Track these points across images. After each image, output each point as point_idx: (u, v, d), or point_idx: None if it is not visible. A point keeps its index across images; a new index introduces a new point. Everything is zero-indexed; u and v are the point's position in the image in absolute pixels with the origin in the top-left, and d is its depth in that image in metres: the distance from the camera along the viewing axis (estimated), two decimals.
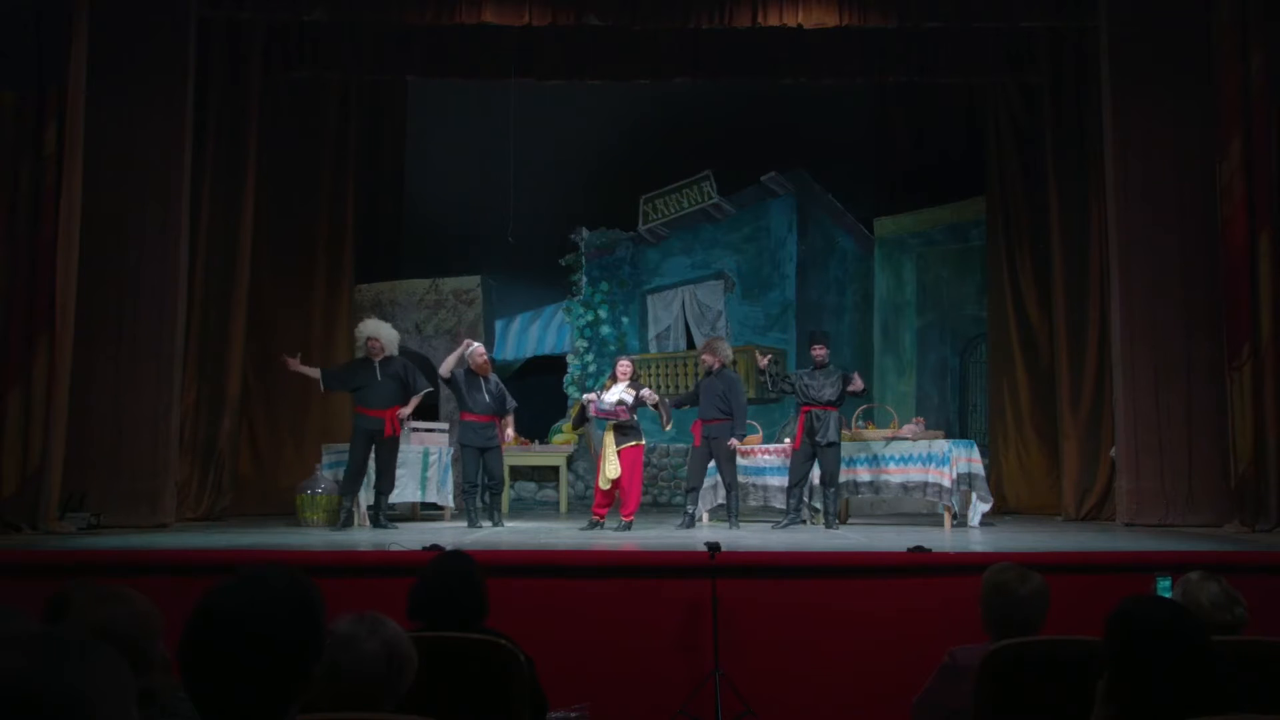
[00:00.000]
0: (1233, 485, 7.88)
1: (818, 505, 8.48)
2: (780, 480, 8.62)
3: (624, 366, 8.41)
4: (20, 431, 7.49)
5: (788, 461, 8.49)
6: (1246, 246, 7.90)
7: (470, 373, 8.26)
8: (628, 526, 7.94)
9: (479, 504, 8.36)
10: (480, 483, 8.31)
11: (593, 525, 8.06)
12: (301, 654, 1.65)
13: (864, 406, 9.55)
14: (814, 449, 8.18)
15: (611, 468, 8.02)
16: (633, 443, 8.09)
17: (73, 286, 7.65)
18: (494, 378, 8.46)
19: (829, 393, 8.19)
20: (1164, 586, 3.22)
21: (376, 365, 8.18)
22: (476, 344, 8.50)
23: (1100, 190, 8.92)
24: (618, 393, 8.16)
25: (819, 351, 8.41)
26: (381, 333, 8.29)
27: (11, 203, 7.69)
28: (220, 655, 1.60)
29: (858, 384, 8.27)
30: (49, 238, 7.64)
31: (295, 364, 8.17)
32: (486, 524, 8.37)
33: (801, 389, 8.30)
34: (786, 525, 8.14)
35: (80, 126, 7.71)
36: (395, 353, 8.36)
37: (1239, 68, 7.95)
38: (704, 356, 8.37)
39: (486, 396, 8.24)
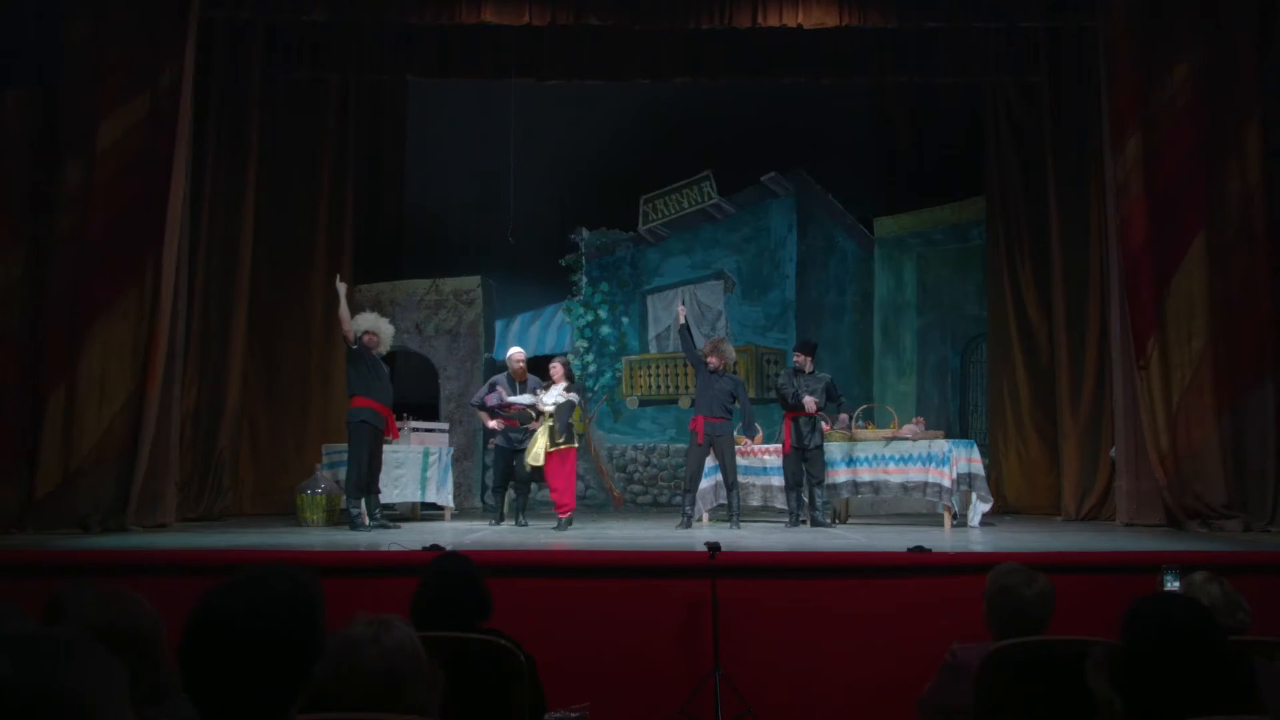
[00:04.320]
0: (1160, 484, 7.96)
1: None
2: (781, 480, 8.65)
3: (556, 369, 8.37)
4: (60, 430, 7.56)
5: None
6: (1146, 242, 8.07)
7: (510, 379, 8.56)
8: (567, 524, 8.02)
9: (505, 502, 8.72)
10: (504, 485, 8.73)
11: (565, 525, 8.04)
12: (300, 654, 1.65)
13: (864, 406, 9.57)
14: (803, 453, 8.26)
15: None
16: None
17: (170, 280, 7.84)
18: (530, 381, 8.52)
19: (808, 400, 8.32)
20: (1171, 583, 3.22)
21: (379, 360, 8.15)
22: (516, 349, 8.79)
23: (1100, 189, 8.93)
24: (555, 394, 8.14)
25: (799, 359, 8.57)
26: (380, 327, 8.21)
27: (51, 202, 7.74)
28: (219, 655, 1.59)
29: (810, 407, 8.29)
30: (96, 236, 7.72)
31: (341, 290, 8.15)
32: (509, 522, 8.59)
33: (791, 396, 8.39)
34: (793, 526, 8.23)
35: (189, 121, 7.98)
36: (387, 350, 8.27)
37: (1133, 68, 8.18)
38: (710, 358, 8.38)
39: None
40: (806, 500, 8.39)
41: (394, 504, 8.82)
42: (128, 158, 7.95)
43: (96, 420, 7.66)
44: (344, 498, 8.15)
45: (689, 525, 8.28)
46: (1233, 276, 8.12)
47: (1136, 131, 8.15)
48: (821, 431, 8.34)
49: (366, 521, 7.94)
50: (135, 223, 7.91)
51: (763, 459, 8.97)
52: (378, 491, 8.10)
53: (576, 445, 8.23)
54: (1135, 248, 8.14)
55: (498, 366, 12.70)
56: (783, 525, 8.45)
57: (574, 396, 8.14)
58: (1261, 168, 8.10)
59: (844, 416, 8.94)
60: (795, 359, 8.64)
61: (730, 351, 8.63)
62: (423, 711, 2.20)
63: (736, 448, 8.64)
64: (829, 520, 8.45)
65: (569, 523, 8.04)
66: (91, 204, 7.79)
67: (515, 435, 8.49)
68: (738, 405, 8.40)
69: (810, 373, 8.47)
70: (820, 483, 8.32)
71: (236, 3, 8.75)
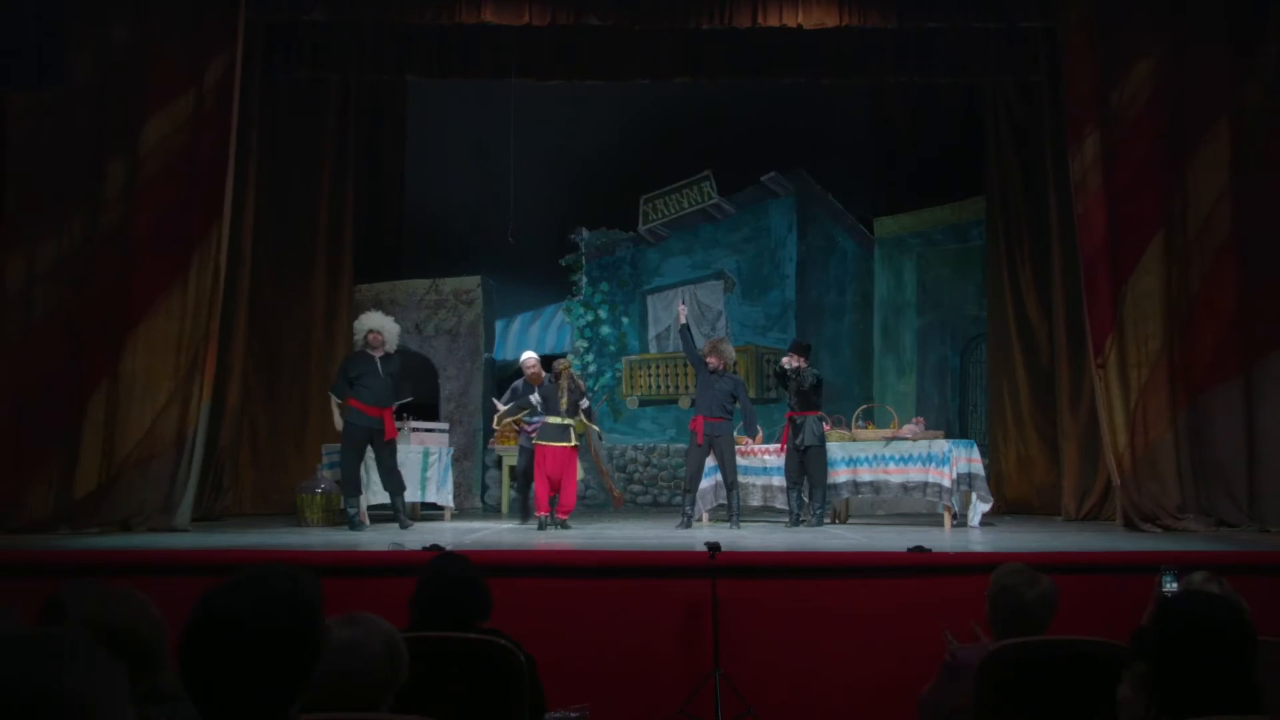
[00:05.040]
0: (1116, 483, 8.01)
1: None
2: (782, 480, 8.67)
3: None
4: (101, 429, 7.60)
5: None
6: (1104, 241, 8.11)
7: (527, 383, 8.65)
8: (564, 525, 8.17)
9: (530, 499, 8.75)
10: (528, 484, 8.71)
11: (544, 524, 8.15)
12: (300, 654, 1.65)
13: (864, 407, 9.57)
14: (801, 452, 8.31)
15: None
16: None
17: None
18: (544, 380, 8.58)
19: (797, 399, 8.42)
20: (1170, 583, 3.22)
21: (377, 361, 8.15)
22: (527, 355, 8.87)
23: None
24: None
25: (790, 360, 8.63)
26: (385, 326, 8.23)
27: (94, 201, 7.77)
28: (219, 656, 1.59)
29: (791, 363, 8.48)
30: (143, 235, 7.76)
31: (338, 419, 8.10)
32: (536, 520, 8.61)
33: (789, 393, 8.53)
34: (793, 526, 8.27)
35: (236, 119, 8.02)
36: (394, 350, 8.28)
37: (1091, 66, 8.22)
38: (710, 358, 8.43)
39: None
40: (807, 500, 8.40)
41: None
42: (173, 156, 7.99)
43: (140, 420, 7.71)
44: (342, 498, 8.20)
45: (689, 525, 8.29)
46: (1195, 277, 8.14)
47: (1095, 130, 8.20)
48: (815, 432, 8.31)
49: (366, 521, 7.96)
50: (180, 221, 7.95)
51: (763, 459, 8.98)
52: (401, 492, 8.13)
53: (549, 444, 8.19)
54: (1093, 247, 8.20)
55: (498, 366, 12.72)
56: (783, 525, 8.47)
57: (532, 397, 8.41)
58: (1229, 167, 8.10)
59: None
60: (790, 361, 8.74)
61: (729, 351, 8.65)
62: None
63: (736, 448, 8.66)
64: (825, 521, 8.45)
65: (542, 523, 8.10)
66: (135, 202, 7.85)
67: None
68: (739, 405, 8.43)
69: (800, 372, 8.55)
70: (819, 484, 8.32)
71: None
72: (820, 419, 8.44)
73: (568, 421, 8.22)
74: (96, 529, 7.35)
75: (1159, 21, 8.23)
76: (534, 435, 8.36)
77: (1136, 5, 8.31)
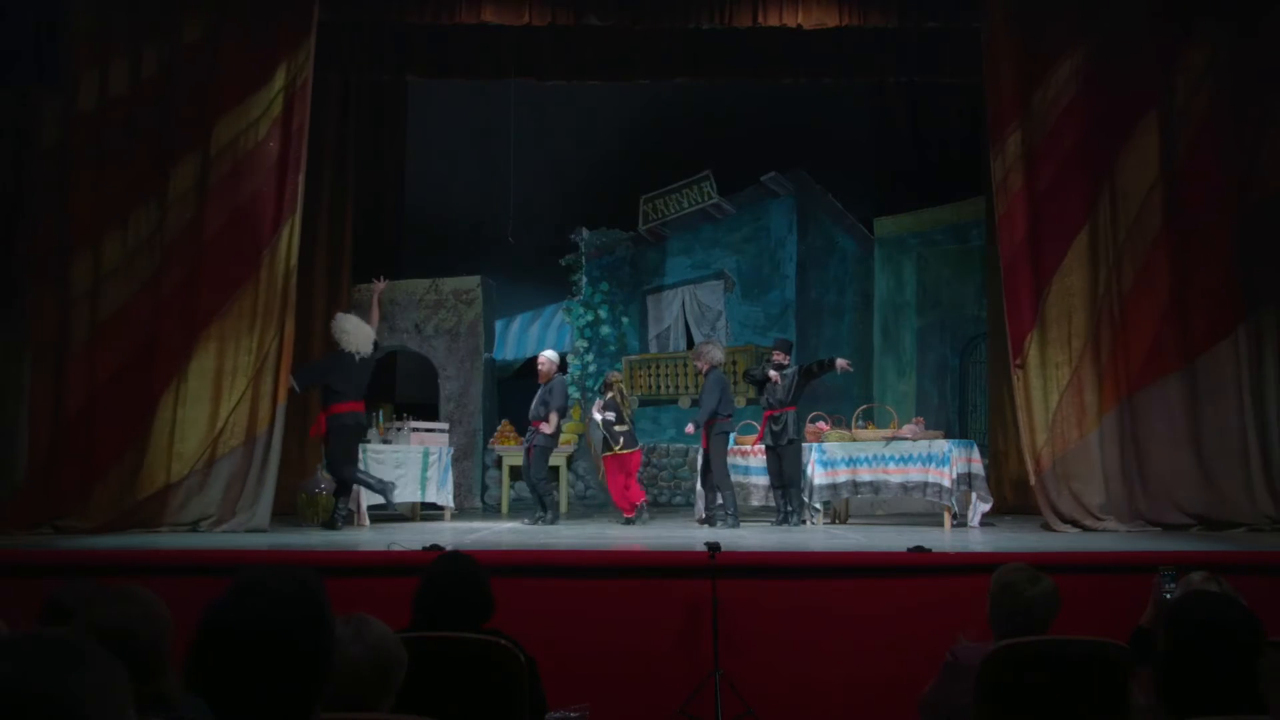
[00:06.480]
0: (1032, 483, 7.97)
1: (818, 505, 8.53)
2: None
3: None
4: (170, 430, 7.59)
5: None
6: (1025, 240, 8.08)
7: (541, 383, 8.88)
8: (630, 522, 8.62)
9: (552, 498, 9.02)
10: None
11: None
12: (314, 653, 1.65)
13: (864, 407, 9.57)
14: (777, 450, 8.33)
15: None
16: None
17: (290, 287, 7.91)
18: (554, 382, 8.74)
19: (779, 394, 8.42)
20: (1168, 583, 3.23)
21: None
22: (543, 353, 9.07)
23: None
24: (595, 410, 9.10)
25: (774, 357, 8.71)
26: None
27: (163, 200, 7.78)
28: (233, 665, 1.59)
29: (837, 365, 8.54)
30: (213, 234, 7.77)
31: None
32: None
33: (769, 391, 8.50)
34: (779, 523, 8.29)
35: (308, 119, 8.06)
36: (345, 348, 8.13)
37: (1013, 64, 8.19)
38: (696, 363, 8.85)
39: (533, 401, 8.83)
40: (807, 500, 8.40)
41: (394, 504, 8.83)
42: (244, 156, 7.97)
43: (211, 420, 7.68)
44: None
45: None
46: (1127, 273, 8.07)
47: (1017, 129, 8.15)
48: (792, 430, 8.30)
49: (364, 523, 8.12)
50: (251, 221, 7.94)
51: (762, 459, 8.97)
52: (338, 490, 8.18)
53: (630, 451, 8.85)
54: (1013, 246, 8.15)
55: (498, 366, 12.74)
56: (773, 524, 8.41)
57: (609, 415, 8.82)
58: (1159, 163, 8.06)
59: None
60: (774, 357, 8.79)
61: (707, 354, 8.72)
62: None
63: (732, 447, 8.68)
64: (806, 520, 8.39)
65: (634, 519, 8.69)
66: (205, 202, 7.84)
67: (526, 434, 8.88)
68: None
69: (782, 369, 8.62)
70: (793, 482, 8.30)
71: None
72: (798, 415, 8.40)
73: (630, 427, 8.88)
74: (166, 529, 7.34)
75: (1084, 21, 8.17)
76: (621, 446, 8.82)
77: (1061, 4, 8.26)
